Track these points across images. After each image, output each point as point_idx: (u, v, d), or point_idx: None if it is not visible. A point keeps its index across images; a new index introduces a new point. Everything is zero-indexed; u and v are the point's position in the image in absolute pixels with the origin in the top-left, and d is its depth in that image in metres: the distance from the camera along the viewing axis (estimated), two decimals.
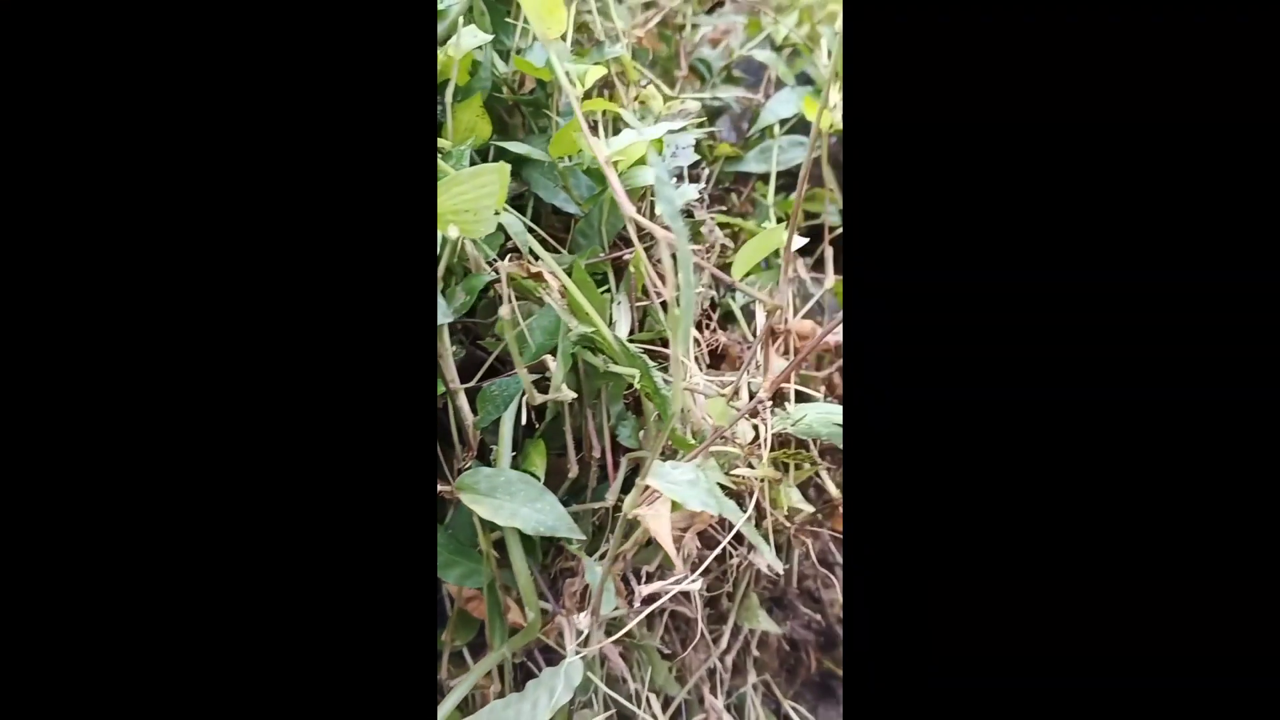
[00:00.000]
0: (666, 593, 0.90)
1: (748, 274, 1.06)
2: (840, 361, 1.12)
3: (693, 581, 0.90)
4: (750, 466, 0.95)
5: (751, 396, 1.02)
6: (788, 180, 1.21)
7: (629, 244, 1.02)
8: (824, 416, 0.95)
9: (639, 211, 1.01)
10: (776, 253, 1.07)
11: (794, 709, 1.12)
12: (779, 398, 1.06)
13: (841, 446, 0.97)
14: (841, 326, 1.10)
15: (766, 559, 0.90)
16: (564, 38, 1.10)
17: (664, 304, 1.00)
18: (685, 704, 1.06)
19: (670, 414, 0.74)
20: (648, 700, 1.00)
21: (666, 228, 0.65)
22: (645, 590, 0.90)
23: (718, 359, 1.06)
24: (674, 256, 0.64)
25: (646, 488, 0.83)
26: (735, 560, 1.02)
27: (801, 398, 1.09)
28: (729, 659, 1.07)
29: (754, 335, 1.08)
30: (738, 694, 1.09)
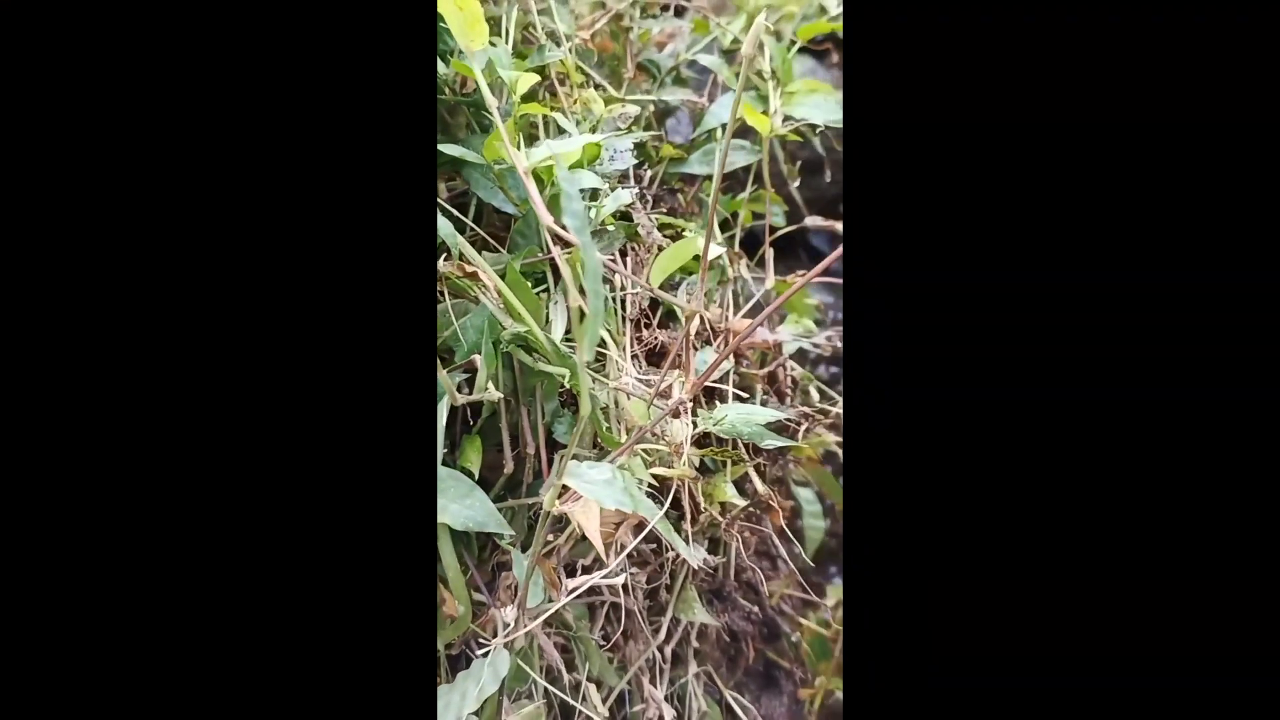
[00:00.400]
0: (594, 584, 0.90)
1: (688, 273, 1.05)
2: (781, 359, 1.11)
3: (618, 574, 0.90)
4: (669, 465, 0.93)
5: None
6: (733, 183, 1.20)
7: (570, 243, 0.98)
8: (745, 416, 0.94)
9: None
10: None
11: (734, 699, 1.12)
12: (718, 397, 1.05)
13: (764, 445, 0.96)
14: (767, 323, 1.10)
15: (682, 553, 0.89)
16: (506, 40, 1.07)
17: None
18: (629, 695, 1.05)
19: (582, 415, 0.72)
20: (585, 691, 0.99)
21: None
22: (571, 583, 0.88)
23: (659, 357, 1.04)
24: (579, 264, 0.63)
25: (566, 486, 0.81)
26: (671, 554, 1.01)
27: (739, 398, 1.08)
28: (668, 650, 1.05)
29: (695, 337, 1.05)
30: (679, 684, 1.08)
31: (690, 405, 0.96)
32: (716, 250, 1.04)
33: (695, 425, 0.96)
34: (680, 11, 1.28)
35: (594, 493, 0.79)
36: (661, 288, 1.05)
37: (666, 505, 0.91)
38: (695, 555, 0.92)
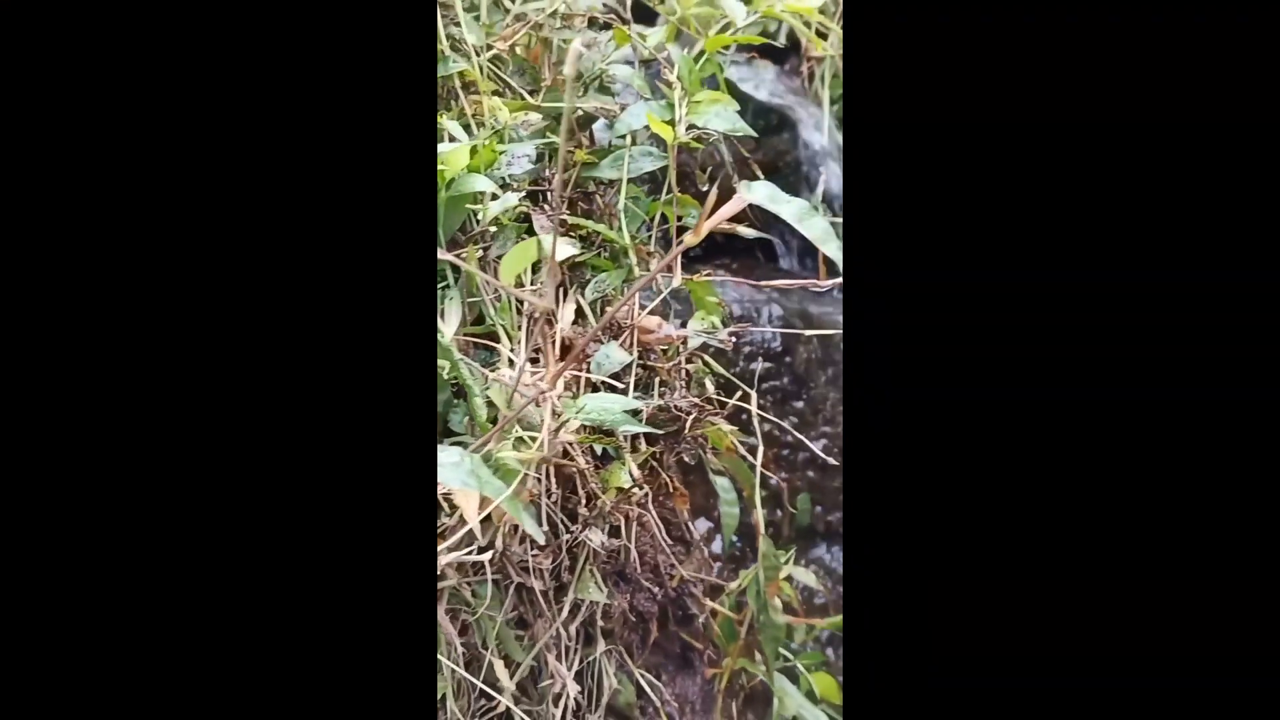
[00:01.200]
0: (467, 560, 0.90)
1: (599, 271, 1.09)
2: (679, 357, 1.12)
3: (484, 551, 0.90)
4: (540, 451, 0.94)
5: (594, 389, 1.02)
6: (652, 187, 1.20)
7: (470, 242, 1.02)
8: (604, 404, 0.94)
9: (475, 214, 1.03)
10: (626, 252, 1.09)
11: (644, 676, 1.12)
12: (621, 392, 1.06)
13: (622, 431, 0.99)
14: (671, 319, 1.12)
15: (527, 528, 0.88)
16: None
17: (496, 298, 1.01)
18: (541, 674, 1.05)
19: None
20: (491, 666, 0.99)
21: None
22: (444, 559, 0.89)
23: (564, 351, 1.04)
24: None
25: None
26: (568, 537, 1.02)
27: (639, 387, 1.08)
28: (573, 628, 1.06)
29: (602, 331, 1.07)
30: (590, 662, 1.08)
31: (550, 394, 0.96)
32: (567, 249, 1.04)
33: (556, 414, 0.96)
34: (604, 24, 1.27)
35: (441, 475, 0.79)
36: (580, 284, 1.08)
37: (514, 487, 0.90)
38: (537, 531, 0.91)
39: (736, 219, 0.92)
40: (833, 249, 0.75)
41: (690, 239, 0.72)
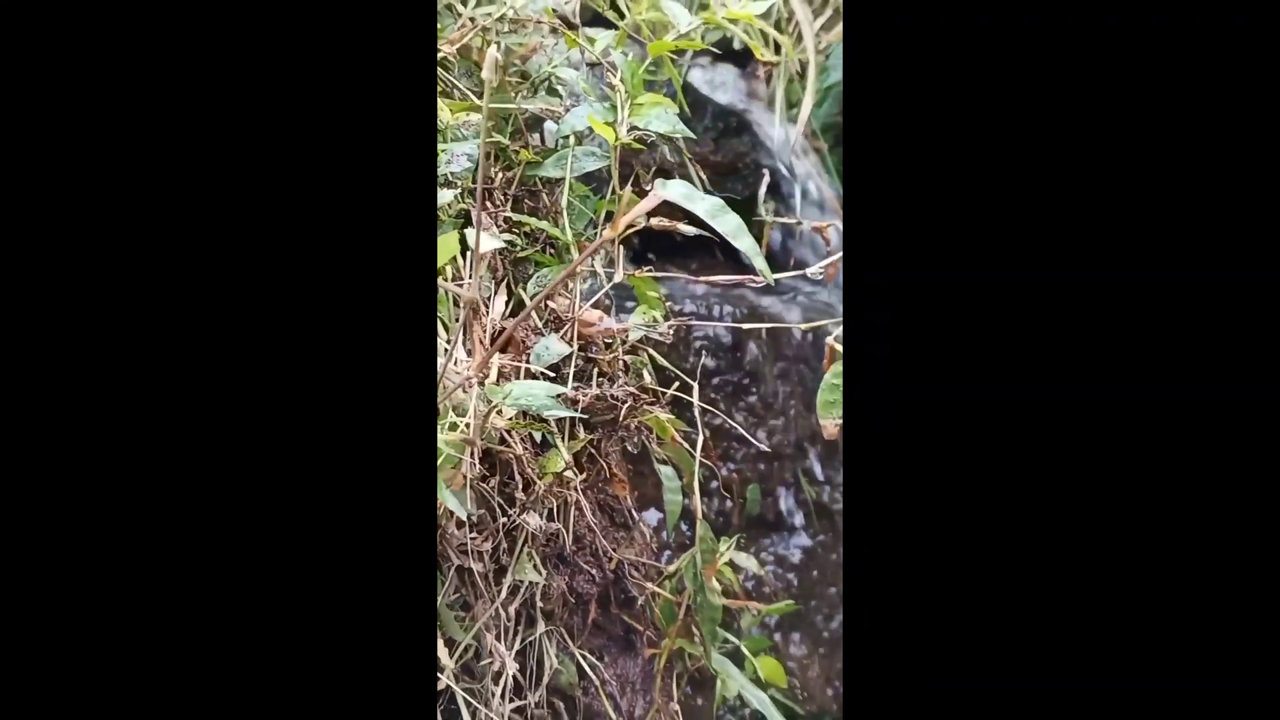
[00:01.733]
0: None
1: (542, 267, 1.09)
2: (617, 348, 1.12)
3: None
4: (469, 437, 0.95)
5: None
6: (599, 186, 1.20)
7: None
8: (529, 390, 0.95)
9: None
10: (569, 248, 1.10)
11: (584, 656, 1.12)
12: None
13: (548, 415, 0.98)
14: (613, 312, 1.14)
15: (452, 507, 0.90)
16: None
17: None
18: (480, 653, 1.05)
19: None
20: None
21: None
22: None
23: (493, 340, 1.06)
24: None
25: None
26: (504, 520, 1.02)
27: (580, 378, 1.09)
28: (512, 609, 1.06)
29: (544, 325, 1.10)
30: (530, 642, 1.08)
31: (477, 382, 0.98)
32: (492, 243, 1.04)
33: (482, 401, 0.97)
34: (563, 30, 1.26)
35: None
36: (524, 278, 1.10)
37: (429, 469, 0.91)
38: (460, 509, 0.92)
39: (673, 219, 0.91)
40: (745, 244, 0.77)
41: (608, 233, 0.72)
